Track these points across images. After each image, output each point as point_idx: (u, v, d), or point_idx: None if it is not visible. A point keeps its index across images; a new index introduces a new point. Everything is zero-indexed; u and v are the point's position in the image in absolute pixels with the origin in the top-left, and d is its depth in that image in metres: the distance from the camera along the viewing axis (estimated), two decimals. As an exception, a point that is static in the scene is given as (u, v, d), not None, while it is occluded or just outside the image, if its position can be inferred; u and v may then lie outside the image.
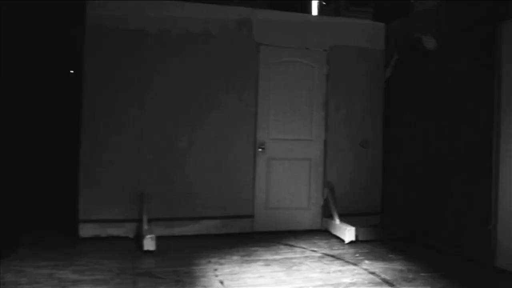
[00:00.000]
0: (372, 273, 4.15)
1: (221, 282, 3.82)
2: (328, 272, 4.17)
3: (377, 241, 5.41)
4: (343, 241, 5.34)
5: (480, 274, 4.28)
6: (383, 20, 6.45)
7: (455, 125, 4.96)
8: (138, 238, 4.97)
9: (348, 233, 5.31)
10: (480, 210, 4.58)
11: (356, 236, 5.35)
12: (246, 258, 4.58)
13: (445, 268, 4.37)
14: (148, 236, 4.71)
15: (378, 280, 3.96)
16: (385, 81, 6.28)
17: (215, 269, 4.17)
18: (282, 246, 5.11)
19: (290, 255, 4.76)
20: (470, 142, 4.74)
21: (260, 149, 5.78)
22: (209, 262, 4.40)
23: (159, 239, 4.78)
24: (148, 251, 4.65)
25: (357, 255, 4.80)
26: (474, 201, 4.66)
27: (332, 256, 4.73)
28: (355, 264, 4.42)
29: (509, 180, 4.33)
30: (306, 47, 6.03)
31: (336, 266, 4.38)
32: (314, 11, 10.18)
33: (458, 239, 4.81)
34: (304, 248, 5.05)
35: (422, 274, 4.13)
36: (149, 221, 5.14)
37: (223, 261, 4.45)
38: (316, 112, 6.06)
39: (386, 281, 3.91)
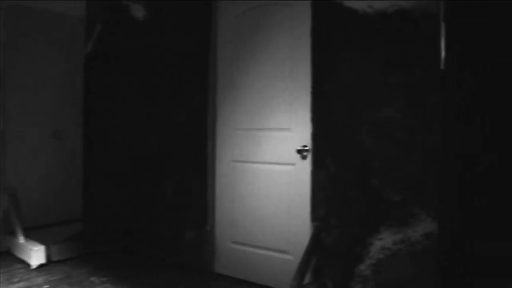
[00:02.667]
0: (64, 315, 3.00)
1: None
2: (-6, 328, 2.82)
3: (78, 258, 4.24)
4: (30, 265, 3.97)
5: (199, 283, 3.63)
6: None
7: (168, 113, 4.19)
8: None
9: (35, 254, 3.95)
10: (197, 209, 3.94)
11: (48, 257, 4.06)
12: None
13: (160, 284, 3.56)
14: None
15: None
16: (86, 57, 5.09)
17: None
18: None
19: None
20: (185, 132, 4.04)
21: None
22: None
23: None
24: None
25: (47, 286, 3.53)
26: (190, 200, 3.99)
27: (8, 294, 3.35)
28: (40, 304, 3.17)
29: (226, 174, 3.80)
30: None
31: (10, 312, 3.05)
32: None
33: (176, 244, 4.08)
34: (-35, 288, 3.49)
35: (132, 302, 3.21)
36: None
37: None
38: (-15, 93, 4.43)
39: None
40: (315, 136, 3.17)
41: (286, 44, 3.44)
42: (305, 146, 3.27)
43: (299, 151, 3.29)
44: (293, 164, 3.36)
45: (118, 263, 4.15)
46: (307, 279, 3.08)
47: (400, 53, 2.77)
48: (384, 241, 2.85)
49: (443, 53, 2.59)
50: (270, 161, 3.51)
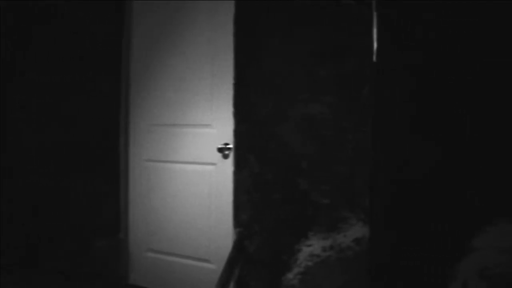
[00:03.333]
0: None
1: None
2: None
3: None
4: None
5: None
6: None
7: (78, 106, 3.69)
8: None
9: None
10: (108, 215, 3.52)
11: None
12: None
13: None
14: None
15: None
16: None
17: None
18: None
19: None
20: (95, 128, 3.59)
21: None
22: None
23: None
24: None
25: None
26: (100, 205, 3.56)
27: None
28: None
29: (141, 174, 3.42)
30: None
31: None
32: None
33: (85, 254, 3.63)
34: None
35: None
36: None
37: None
38: None
39: None
40: (238, 133, 2.88)
41: (208, 32, 3.12)
42: (227, 144, 2.98)
43: (220, 150, 2.99)
44: (214, 164, 3.05)
45: (18, 278, 3.62)
46: (230, 290, 2.81)
47: (332, 44, 2.54)
48: (312, 247, 2.63)
49: (375, 44, 2.39)
50: (189, 160, 3.18)
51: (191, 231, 3.16)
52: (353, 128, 2.49)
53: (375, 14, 2.41)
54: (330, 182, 2.58)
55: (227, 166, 2.96)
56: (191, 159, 3.16)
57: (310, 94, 2.60)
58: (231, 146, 2.95)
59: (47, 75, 3.84)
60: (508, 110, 2.09)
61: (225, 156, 2.99)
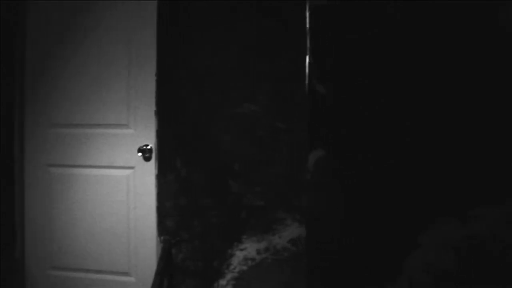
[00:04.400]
0: None
1: None
2: None
3: None
4: None
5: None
6: None
7: None
8: None
9: None
10: (3, 230, 3.04)
11: None
12: None
13: None
14: None
15: None
16: None
17: None
18: None
19: None
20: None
21: None
22: None
23: None
24: None
25: None
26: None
27: None
28: None
29: (41, 182, 3.00)
30: None
31: None
32: None
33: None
34: None
35: None
36: None
37: None
38: None
39: None
40: (161, 134, 2.66)
41: (127, 20, 2.82)
42: (147, 145, 2.74)
43: (139, 151, 2.74)
44: (132, 168, 2.79)
45: None
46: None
47: (267, 38, 2.46)
48: (246, 251, 2.54)
49: (308, 41, 2.35)
50: (102, 164, 2.86)
51: (106, 243, 2.85)
52: (288, 128, 2.44)
53: (307, 6, 2.35)
54: (264, 184, 2.51)
55: (149, 170, 2.73)
56: (105, 163, 2.85)
57: (243, 91, 2.50)
58: (151, 146, 2.72)
59: None
60: (456, 111, 2.18)
61: (146, 159, 2.74)
